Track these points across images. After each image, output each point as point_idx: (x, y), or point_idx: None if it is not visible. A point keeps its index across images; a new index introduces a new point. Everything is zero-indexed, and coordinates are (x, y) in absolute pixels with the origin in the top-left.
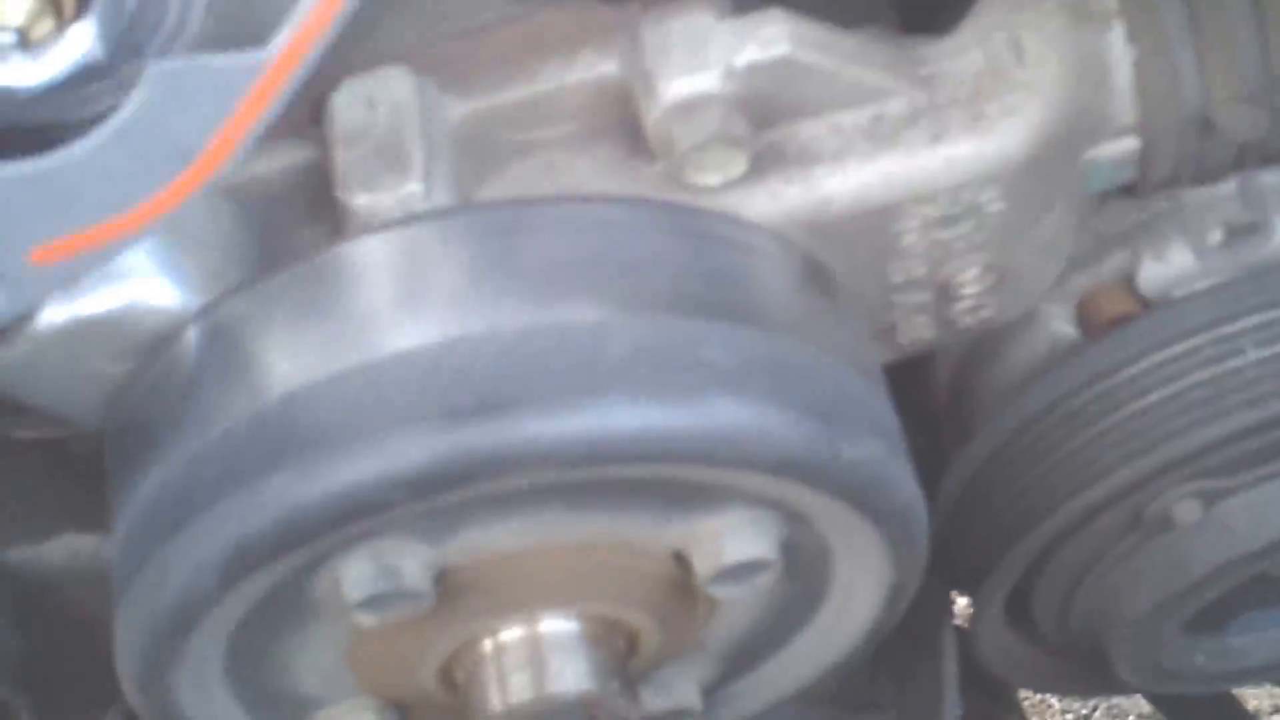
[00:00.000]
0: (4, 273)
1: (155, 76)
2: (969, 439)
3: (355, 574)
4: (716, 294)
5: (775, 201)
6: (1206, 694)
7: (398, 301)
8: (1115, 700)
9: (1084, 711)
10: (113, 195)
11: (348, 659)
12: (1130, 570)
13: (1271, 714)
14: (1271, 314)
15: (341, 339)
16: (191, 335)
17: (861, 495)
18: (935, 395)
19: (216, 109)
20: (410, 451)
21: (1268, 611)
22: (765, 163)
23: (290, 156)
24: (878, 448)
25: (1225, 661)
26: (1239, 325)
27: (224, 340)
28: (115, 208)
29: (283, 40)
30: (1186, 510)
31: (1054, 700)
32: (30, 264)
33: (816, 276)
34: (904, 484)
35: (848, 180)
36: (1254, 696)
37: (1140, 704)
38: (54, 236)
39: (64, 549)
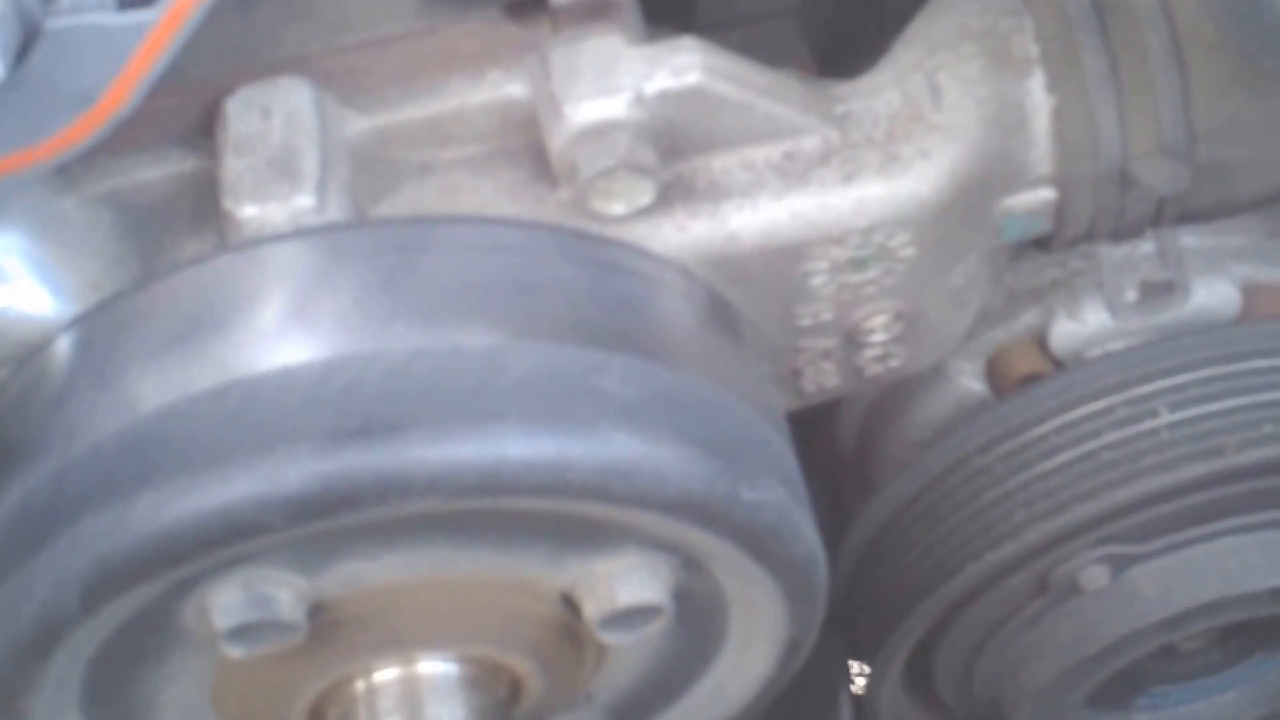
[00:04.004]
0: None
1: (53, 34)
2: (873, 495)
3: (225, 601)
4: (617, 325)
5: (681, 235)
6: None
7: (282, 316)
8: None
9: None
10: (20, 131)
11: (212, 695)
12: (1035, 636)
13: None
14: (1186, 377)
15: (220, 353)
16: (63, 344)
17: (760, 541)
18: (839, 449)
19: (110, 61)
20: (289, 473)
21: (1175, 687)
22: (673, 194)
23: (177, 164)
24: (778, 493)
25: None
26: (1153, 387)
27: (96, 350)
28: (24, 142)
29: (167, 2)
30: (1094, 576)
31: None
32: None
33: (721, 314)
34: (804, 532)
35: (757, 217)
36: None
37: None
38: None
39: None
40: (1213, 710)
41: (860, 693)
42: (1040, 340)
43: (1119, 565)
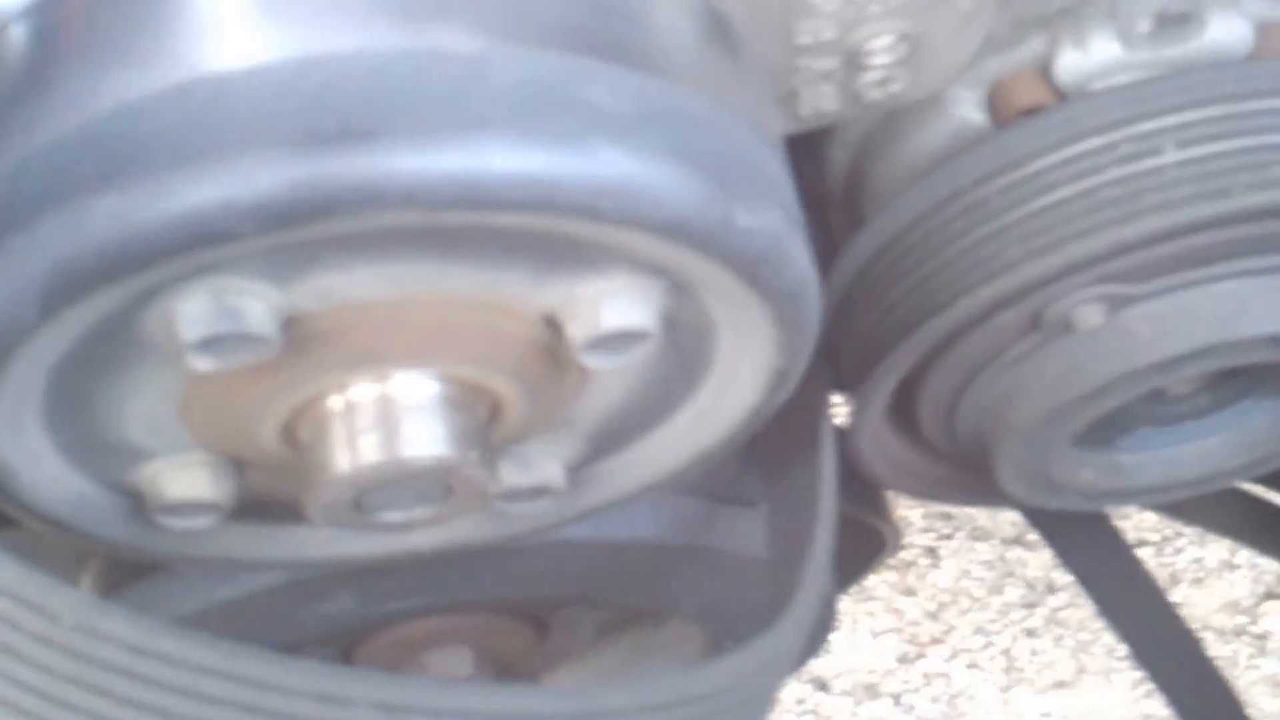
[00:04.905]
0: None
1: None
2: (863, 225)
3: (192, 311)
4: (610, 33)
5: None
6: (1082, 512)
7: (255, 10)
8: (979, 523)
9: (945, 530)
10: None
11: (180, 408)
12: (1024, 374)
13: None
14: (1196, 114)
15: (186, 47)
16: (15, 35)
17: (753, 266)
18: (829, 179)
19: None
20: (260, 176)
21: (1161, 430)
22: None
23: None
24: (774, 217)
25: (1113, 479)
26: (1160, 123)
27: (54, 42)
28: None
29: None
30: (1089, 315)
31: (915, 519)
32: None
33: (720, 29)
34: (798, 259)
35: None
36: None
37: (1004, 527)
38: None
39: None
40: (1197, 455)
41: (843, 425)
42: (1044, 70)
43: (1114, 305)
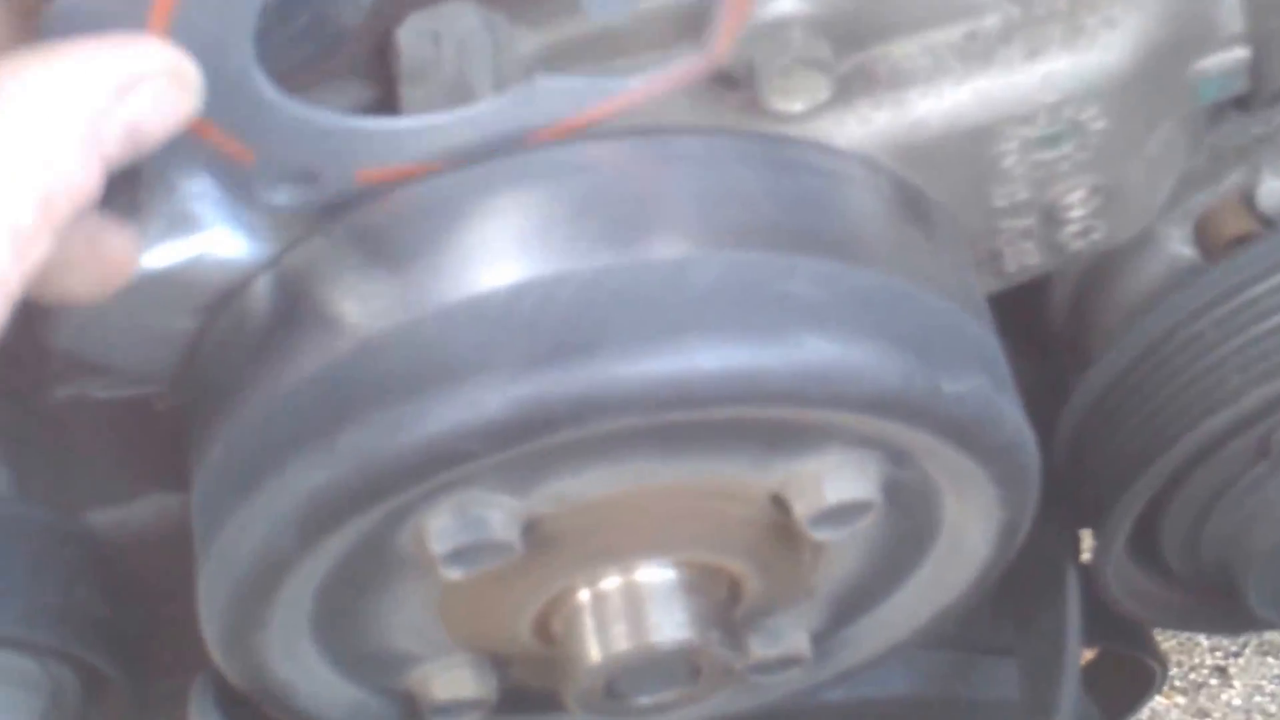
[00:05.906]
0: (327, 181)
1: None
2: (1087, 366)
3: (439, 527)
4: (802, 225)
5: (865, 127)
6: None
7: (468, 244)
8: (1267, 636)
9: (1233, 648)
10: (442, 146)
11: (439, 614)
12: (1260, 500)
13: None
14: None
15: (411, 285)
16: (260, 286)
17: (964, 432)
18: (1050, 322)
19: (565, 111)
20: (487, 401)
21: None
22: (853, 86)
23: (355, 97)
24: (980, 381)
25: None
26: None
27: (292, 290)
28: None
29: (642, 80)
30: None
31: (1201, 638)
32: (353, 181)
33: (911, 204)
34: (1009, 418)
35: (942, 102)
36: None
37: None
38: (385, 165)
39: (150, 510)
40: None
41: (1087, 562)
42: (1249, 200)
43: None
